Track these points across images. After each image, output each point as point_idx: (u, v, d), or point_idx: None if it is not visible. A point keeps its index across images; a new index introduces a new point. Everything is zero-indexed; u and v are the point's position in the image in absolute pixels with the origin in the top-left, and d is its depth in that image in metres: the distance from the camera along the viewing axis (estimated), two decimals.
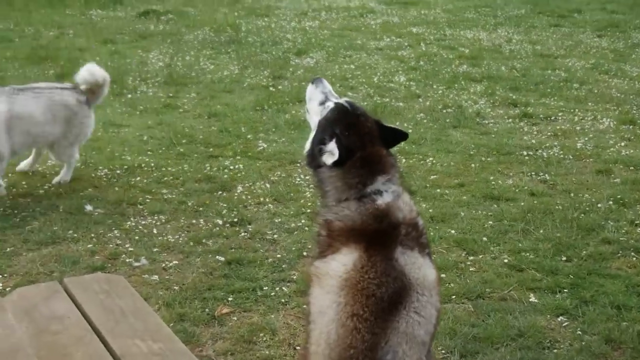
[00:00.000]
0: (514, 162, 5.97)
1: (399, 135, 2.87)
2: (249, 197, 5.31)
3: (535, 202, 5.20)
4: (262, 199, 5.26)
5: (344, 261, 2.60)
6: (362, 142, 2.70)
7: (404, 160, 5.91)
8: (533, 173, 5.74)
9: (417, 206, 4.92)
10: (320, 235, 2.78)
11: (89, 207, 5.09)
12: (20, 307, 2.71)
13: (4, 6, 11.96)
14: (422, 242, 2.70)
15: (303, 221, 4.91)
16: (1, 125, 5.02)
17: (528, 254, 4.48)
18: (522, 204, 5.17)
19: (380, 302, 2.51)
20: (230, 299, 4.02)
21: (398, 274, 2.55)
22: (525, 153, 6.13)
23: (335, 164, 2.65)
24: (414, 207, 2.75)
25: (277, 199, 5.28)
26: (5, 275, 4.25)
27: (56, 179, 5.48)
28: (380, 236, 2.61)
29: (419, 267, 2.61)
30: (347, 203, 2.67)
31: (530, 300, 4.00)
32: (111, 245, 4.59)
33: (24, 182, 5.47)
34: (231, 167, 5.80)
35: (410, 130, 6.53)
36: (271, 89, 7.91)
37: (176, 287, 4.12)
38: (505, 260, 4.41)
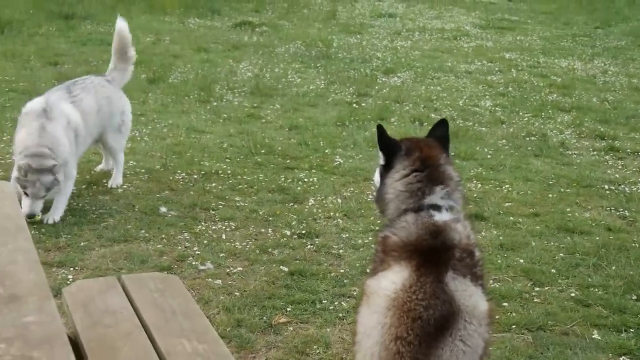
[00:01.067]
0: (594, 195, 5.82)
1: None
2: (320, 210, 5.34)
3: (611, 237, 5.06)
4: (332, 214, 5.28)
5: (393, 279, 2.59)
6: (416, 144, 2.74)
7: (479, 185, 5.85)
8: (612, 208, 5.59)
9: (487, 232, 4.91)
10: (376, 252, 2.79)
11: (163, 209, 5.21)
12: (77, 298, 2.80)
13: (107, 11, 12.37)
14: (476, 272, 2.65)
15: (370, 238, 4.90)
16: (79, 126, 5.16)
17: (597, 289, 4.35)
18: (597, 238, 5.03)
19: (426, 325, 2.48)
20: (289, 309, 4.04)
21: (447, 298, 2.52)
22: (606, 187, 5.97)
23: (385, 157, 2.71)
24: (472, 235, 2.71)
25: (347, 214, 5.29)
26: (77, 268, 4.38)
27: (111, 183, 5.60)
28: (432, 255, 2.59)
29: (470, 295, 2.56)
30: (406, 216, 2.67)
31: (594, 337, 3.89)
32: (180, 247, 4.69)
33: (104, 180, 5.64)
34: (305, 180, 5.85)
35: (489, 156, 6.48)
36: (354, 105, 7.94)
37: (237, 293, 4.17)
38: (572, 294, 4.30)
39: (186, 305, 2.77)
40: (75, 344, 2.52)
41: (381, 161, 2.80)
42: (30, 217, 4.77)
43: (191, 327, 2.62)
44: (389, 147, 2.76)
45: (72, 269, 4.36)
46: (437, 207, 2.64)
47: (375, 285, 2.64)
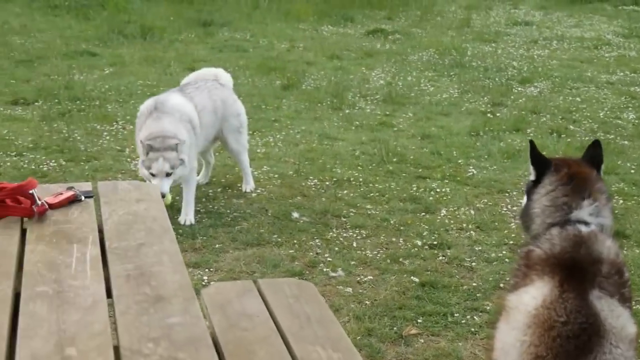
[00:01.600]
0: None
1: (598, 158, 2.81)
2: (452, 221, 5.25)
3: None
4: (464, 225, 5.19)
5: (535, 294, 2.50)
6: (565, 162, 2.67)
7: (621, 201, 5.61)
8: None
9: (629, 251, 4.70)
10: (517, 267, 2.72)
11: (295, 214, 5.25)
12: (215, 300, 2.84)
13: (243, 19, 12.65)
14: (624, 294, 2.52)
15: (504, 252, 4.79)
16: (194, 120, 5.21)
17: None
18: None
19: (567, 345, 2.38)
20: (419, 320, 3.99)
21: (591, 318, 2.41)
22: None
23: (536, 173, 2.66)
24: (620, 254, 2.60)
25: (480, 226, 5.19)
26: (212, 269, 4.48)
27: (245, 187, 5.68)
28: (577, 270, 2.48)
29: (617, 316, 2.44)
30: (551, 231, 2.59)
31: None
32: (311, 253, 4.72)
33: (238, 185, 5.74)
34: (437, 190, 5.77)
35: (632, 171, 6.22)
36: (489, 115, 7.79)
37: (368, 302, 4.16)
38: None
39: (320, 312, 2.76)
40: (214, 346, 2.57)
41: (531, 177, 2.74)
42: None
43: (325, 335, 2.61)
44: (540, 163, 2.71)
45: (207, 270, 4.46)
46: (585, 223, 2.54)
47: (516, 300, 2.56)
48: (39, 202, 2.34)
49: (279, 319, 2.71)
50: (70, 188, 2.54)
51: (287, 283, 2.97)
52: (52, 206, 2.42)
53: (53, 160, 6.03)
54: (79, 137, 6.60)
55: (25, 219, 2.35)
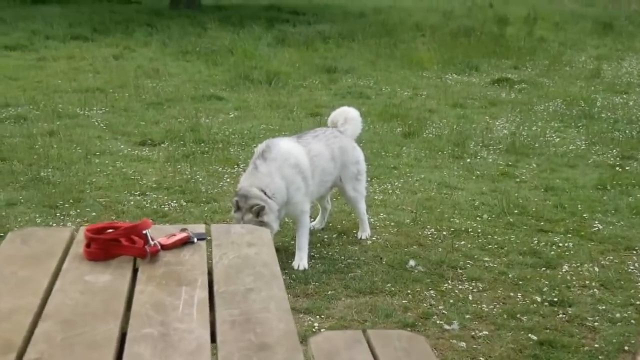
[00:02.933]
0: None
1: None
2: (574, 278, 5.04)
3: None
4: (587, 282, 4.97)
5: None
6: None
7: None
8: None
9: None
10: None
11: (411, 263, 5.17)
12: (323, 349, 2.80)
13: (367, 66, 12.75)
14: None
15: (630, 312, 4.55)
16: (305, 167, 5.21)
17: None
18: None
19: None
20: None
21: None
22: None
23: None
24: None
25: (605, 284, 4.95)
26: (323, 316, 4.45)
27: (360, 234, 5.65)
28: None
29: None
30: None
31: None
32: (425, 305, 4.61)
33: (354, 231, 5.71)
34: (560, 244, 5.56)
35: None
36: (617, 168, 7.48)
37: (482, 358, 4.01)
38: None
39: None
40: None
41: None
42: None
43: None
44: None
45: (318, 317, 4.43)
46: None
47: None
48: (152, 243, 2.37)
49: None
50: (183, 230, 2.56)
51: (397, 335, 2.91)
52: (164, 247, 2.45)
53: (174, 201, 6.19)
54: (200, 179, 6.75)
55: (138, 259, 2.38)
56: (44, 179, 6.56)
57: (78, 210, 5.87)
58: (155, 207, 6.03)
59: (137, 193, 6.35)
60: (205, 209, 6.07)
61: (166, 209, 6.02)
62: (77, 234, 2.55)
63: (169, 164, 7.18)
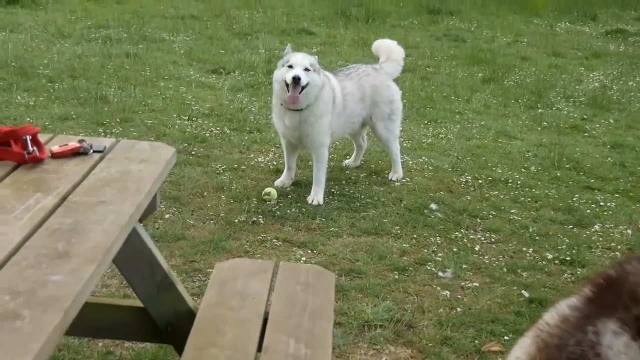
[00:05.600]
0: None
1: None
2: (601, 239, 4.72)
3: None
4: (613, 245, 4.64)
5: None
6: None
7: None
8: None
9: None
10: None
11: (432, 207, 5.00)
12: (223, 276, 2.76)
13: (475, 8, 12.31)
14: None
15: None
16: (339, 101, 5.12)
17: None
18: None
19: None
20: (506, 338, 3.62)
21: None
22: None
23: None
24: None
25: (633, 248, 4.61)
26: (315, 251, 4.37)
27: (391, 176, 5.50)
28: None
29: None
30: None
31: None
32: (425, 251, 4.45)
33: (386, 172, 5.55)
34: (601, 204, 5.22)
35: None
36: None
37: (459, 309, 3.84)
38: None
39: (321, 305, 2.58)
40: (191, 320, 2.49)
41: None
42: (296, 80, 4.76)
43: (309, 329, 2.43)
44: None
45: (310, 251, 4.36)
46: None
47: None
48: (30, 150, 2.37)
49: (273, 303, 2.58)
50: (81, 141, 2.55)
51: (308, 270, 2.83)
52: (54, 155, 2.46)
53: (218, 127, 6.22)
54: (253, 109, 6.75)
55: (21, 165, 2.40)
56: (104, 97, 6.73)
57: (121, 129, 5.99)
58: (196, 132, 6.08)
59: (185, 117, 6.42)
60: (246, 138, 6.06)
61: (207, 134, 6.05)
62: None
63: (230, 92, 7.21)
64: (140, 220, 2.57)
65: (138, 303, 2.72)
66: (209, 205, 4.81)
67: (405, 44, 9.60)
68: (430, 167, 5.72)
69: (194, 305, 2.65)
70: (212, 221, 4.61)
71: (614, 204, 5.25)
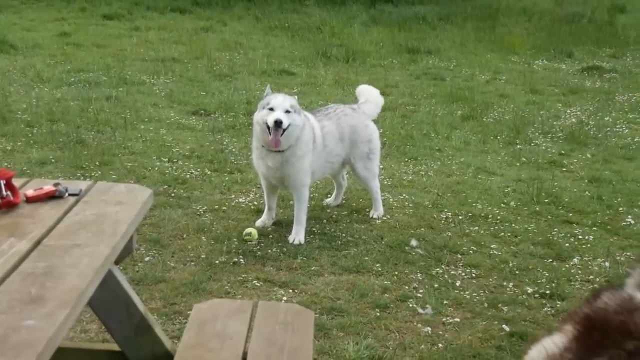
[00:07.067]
0: None
1: None
2: (580, 272, 4.75)
3: None
4: (591, 277, 4.67)
5: None
6: None
7: None
8: None
9: None
10: None
11: (413, 244, 5.02)
12: (201, 316, 2.75)
13: (453, 48, 12.44)
14: None
15: None
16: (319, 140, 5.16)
17: None
18: None
19: None
20: None
21: None
22: None
23: None
24: None
25: (611, 280, 4.63)
26: (297, 291, 4.38)
27: (372, 213, 5.53)
28: None
29: None
30: None
31: None
32: (407, 287, 4.46)
33: (367, 210, 5.58)
34: (580, 237, 5.26)
35: None
36: None
37: (440, 345, 3.84)
38: None
39: (301, 343, 2.58)
40: None
41: None
42: (278, 123, 4.77)
43: None
44: None
45: (291, 291, 4.36)
46: None
47: None
48: (4, 194, 2.38)
49: (252, 343, 2.58)
50: (56, 184, 2.56)
51: (287, 309, 2.83)
52: (29, 199, 2.47)
53: (199, 169, 6.24)
54: (234, 150, 6.77)
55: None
56: (83, 141, 6.73)
57: (100, 172, 6.00)
58: (177, 173, 6.10)
59: (166, 160, 6.43)
60: (227, 178, 6.08)
61: (187, 176, 6.07)
62: None
63: (211, 134, 7.24)
64: (117, 263, 2.57)
65: (115, 347, 2.71)
66: (189, 247, 4.81)
67: (385, 83, 9.77)
68: (410, 204, 5.75)
69: (172, 348, 2.65)
70: (192, 263, 4.61)
71: (592, 237, 5.29)
